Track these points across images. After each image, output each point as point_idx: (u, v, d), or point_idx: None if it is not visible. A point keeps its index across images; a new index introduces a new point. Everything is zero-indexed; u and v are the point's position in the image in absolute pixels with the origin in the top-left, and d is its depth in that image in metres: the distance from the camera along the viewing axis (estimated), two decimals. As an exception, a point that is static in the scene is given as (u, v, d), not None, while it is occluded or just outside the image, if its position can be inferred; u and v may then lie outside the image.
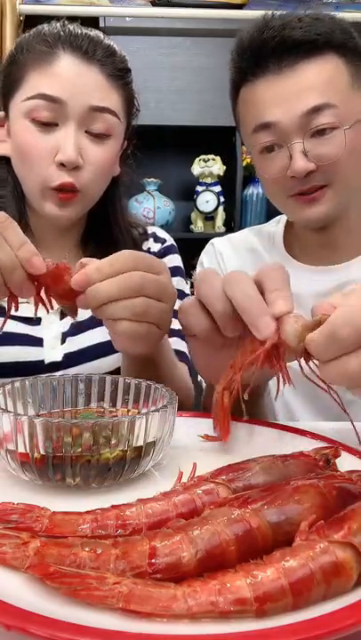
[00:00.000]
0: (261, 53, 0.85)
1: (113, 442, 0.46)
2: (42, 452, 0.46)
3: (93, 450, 0.46)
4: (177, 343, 0.97)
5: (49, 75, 0.85)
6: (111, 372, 0.81)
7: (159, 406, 0.52)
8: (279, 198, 0.92)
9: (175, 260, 1.07)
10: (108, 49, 0.90)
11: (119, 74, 0.90)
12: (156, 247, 1.06)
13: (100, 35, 0.91)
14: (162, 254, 1.05)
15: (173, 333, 0.97)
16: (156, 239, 1.07)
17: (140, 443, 0.48)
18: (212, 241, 1.11)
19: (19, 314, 0.92)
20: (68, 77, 0.85)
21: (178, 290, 1.02)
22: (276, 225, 1.08)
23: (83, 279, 0.59)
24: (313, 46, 0.84)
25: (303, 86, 0.84)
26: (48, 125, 0.86)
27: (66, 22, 0.91)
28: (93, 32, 0.90)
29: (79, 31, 0.89)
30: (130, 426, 0.47)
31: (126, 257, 0.61)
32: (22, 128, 0.87)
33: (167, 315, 0.65)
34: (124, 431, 0.46)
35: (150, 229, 1.08)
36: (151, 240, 1.06)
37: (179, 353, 0.95)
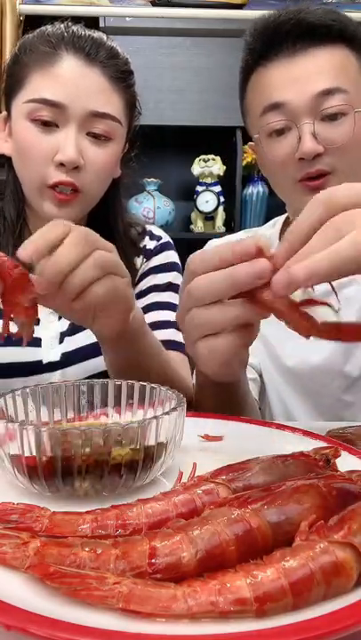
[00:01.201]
0: (276, 36, 0.86)
1: (124, 449, 0.45)
2: (49, 454, 0.45)
3: (104, 458, 0.45)
4: (174, 335, 0.97)
5: (51, 77, 0.85)
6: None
7: (167, 409, 0.51)
8: (284, 184, 0.92)
9: (172, 255, 1.08)
10: (111, 51, 0.90)
11: (121, 76, 0.90)
12: (151, 244, 1.06)
13: (103, 36, 0.91)
14: (158, 251, 1.06)
15: (170, 325, 0.97)
16: (152, 237, 1.07)
17: (152, 443, 0.47)
18: (209, 243, 1.12)
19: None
20: (69, 80, 0.85)
21: (176, 284, 1.04)
22: (272, 228, 1.09)
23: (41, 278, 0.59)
24: (327, 32, 0.85)
25: (315, 69, 0.85)
26: (49, 126, 0.86)
27: (69, 23, 0.91)
28: (97, 34, 0.90)
29: (82, 32, 0.89)
30: (141, 430, 0.46)
31: (77, 230, 0.62)
32: (23, 128, 0.87)
33: (122, 266, 0.66)
34: (136, 439, 0.45)
35: (147, 227, 1.08)
36: (147, 238, 1.06)
37: (177, 344, 0.95)
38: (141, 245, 1.05)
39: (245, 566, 0.33)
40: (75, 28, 0.90)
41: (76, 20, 0.93)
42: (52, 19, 0.93)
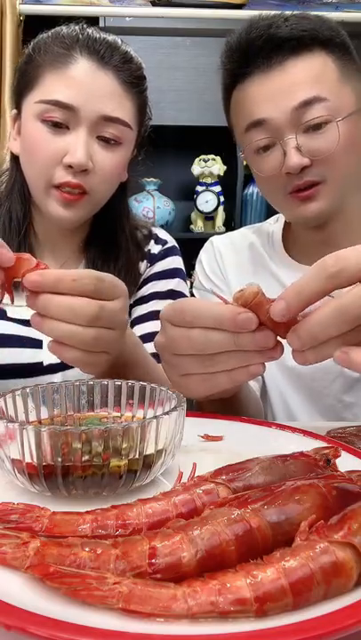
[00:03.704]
0: (249, 53, 0.85)
1: (123, 451, 0.45)
2: (49, 459, 0.44)
3: (103, 465, 0.45)
4: None
5: (64, 78, 0.85)
6: None
7: (167, 409, 0.51)
8: (275, 197, 0.92)
9: (176, 261, 1.07)
10: (125, 55, 0.89)
11: (134, 81, 0.90)
12: (156, 249, 1.05)
13: (118, 40, 0.90)
14: (162, 256, 1.05)
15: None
16: (157, 240, 1.06)
17: (151, 450, 0.46)
18: (211, 239, 1.11)
19: (18, 316, 0.93)
20: (82, 82, 0.85)
21: (178, 292, 1.03)
22: (275, 223, 1.08)
23: (36, 280, 0.58)
24: (300, 43, 0.84)
25: (292, 82, 0.84)
26: (59, 127, 0.85)
27: (85, 25, 0.90)
28: (111, 37, 0.90)
29: (97, 35, 0.88)
30: (141, 431, 0.45)
31: (91, 278, 0.60)
32: (33, 128, 0.86)
33: (117, 342, 0.64)
34: (135, 439, 0.45)
35: (152, 230, 1.07)
36: (152, 242, 1.06)
37: None
38: (146, 250, 1.04)
39: (245, 566, 0.33)
40: (90, 30, 0.89)
41: (76, 20, 0.93)
42: (52, 19, 0.92)
